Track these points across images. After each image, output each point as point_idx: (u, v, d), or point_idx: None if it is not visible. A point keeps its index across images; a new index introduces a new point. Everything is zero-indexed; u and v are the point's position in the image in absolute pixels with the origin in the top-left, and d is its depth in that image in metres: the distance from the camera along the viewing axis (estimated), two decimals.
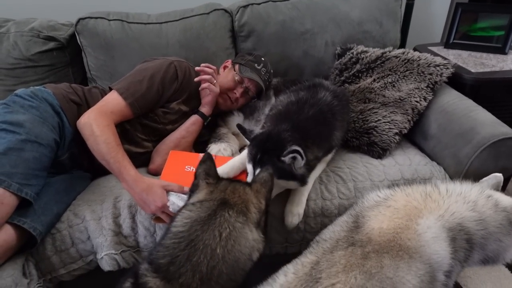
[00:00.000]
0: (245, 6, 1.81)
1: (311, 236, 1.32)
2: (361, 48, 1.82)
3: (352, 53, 1.80)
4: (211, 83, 1.45)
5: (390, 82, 1.61)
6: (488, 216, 0.98)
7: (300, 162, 1.09)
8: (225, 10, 1.83)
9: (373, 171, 1.41)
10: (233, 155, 1.49)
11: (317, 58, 1.90)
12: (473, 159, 1.33)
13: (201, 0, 1.85)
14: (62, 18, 1.83)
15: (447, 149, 1.44)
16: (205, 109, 1.51)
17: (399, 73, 1.62)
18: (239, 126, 1.25)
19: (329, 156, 1.39)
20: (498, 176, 1.15)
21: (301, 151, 1.06)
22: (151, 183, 1.19)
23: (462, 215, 0.96)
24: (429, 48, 2.05)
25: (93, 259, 1.25)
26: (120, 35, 1.72)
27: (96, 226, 1.22)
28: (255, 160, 1.12)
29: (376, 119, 1.53)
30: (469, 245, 0.96)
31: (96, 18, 1.71)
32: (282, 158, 1.08)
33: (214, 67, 1.49)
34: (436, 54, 1.85)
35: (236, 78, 1.56)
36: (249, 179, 1.14)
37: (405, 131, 1.53)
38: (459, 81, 1.70)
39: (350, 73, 1.75)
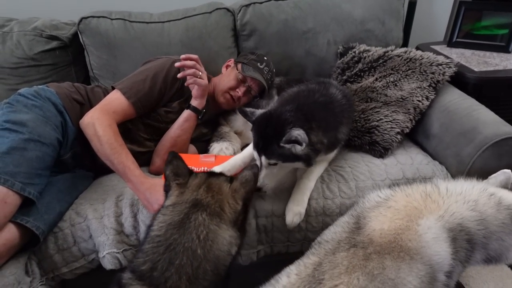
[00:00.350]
0: (247, 5, 1.81)
1: (312, 235, 1.32)
2: (363, 47, 1.81)
3: (354, 52, 1.79)
4: (195, 76, 1.35)
5: (392, 81, 1.61)
6: (490, 215, 0.98)
7: (299, 149, 1.07)
8: (227, 9, 1.82)
9: (375, 170, 1.40)
10: (235, 154, 1.49)
11: (319, 57, 1.90)
12: (475, 158, 1.33)
13: None
14: (65, 17, 1.84)
15: (449, 148, 1.43)
16: (196, 102, 1.43)
17: (401, 72, 1.62)
18: (240, 110, 1.19)
19: (332, 154, 1.39)
20: (506, 172, 1.13)
21: (301, 136, 1.02)
22: (154, 182, 1.20)
23: (462, 215, 0.95)
24: (432, 47, 2.04)
25: (95, 257, 1.26)
26: (123, 34, 1.72)
27: (98, 225, 1.23)
28: (259, 148, 1.11)
29: (378, 118, 1.52)
30: (470, 245, 0.96)
31: (99, 17, 1.71)
32: (281, 144, 1.06)
33: (195, 57, 1.36)
34: (438, 53, 1.84)
35: (239, 77, 1.56)
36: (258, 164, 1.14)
37: (407, 130, 1.53)
38: (462, 80, 1.69)
39: (352, 72, 1.74)
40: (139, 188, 1.19)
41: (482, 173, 1.22)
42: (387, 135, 1.48)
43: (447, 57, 1.67)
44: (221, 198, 0.92)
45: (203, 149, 1.57)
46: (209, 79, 1.66)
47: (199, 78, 1.36)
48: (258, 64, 1.59)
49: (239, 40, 1.89)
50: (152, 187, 1.18)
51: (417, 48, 2.03)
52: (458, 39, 2.03)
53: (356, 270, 0.87)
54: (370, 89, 1.63)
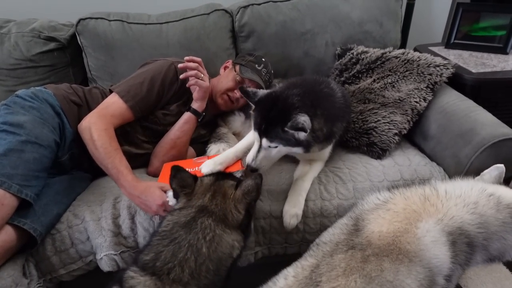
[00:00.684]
0: (246, 7, 1.82)
1: (310, 237, 1.32)
2: (361, 48, 1.82)
3: (352, 53, 1.79)
4: (197, 77, 1.36)
5: (390, 83, 1.61)
6: (490, 216, 0.97)
7: (302, 135, 1.06)
8: (226, 11, 1.83)
9: (373, 171, 1.41)
10: None
11: (317, 58, 1.90)
12: (473, 159, 1.33)
13: (202, 0, 1.86)
14: (63, 19, 1.84)
15: (447, 149, 1.44)
16: (197, 104, 1.44)
17: (399, 73, 1.62)
18: (242, 90, 1.16)
19: (327, 152, 1.39)
20: (500, 167, 1.13)
21: (306, 122, 1.02)
22: (148, 185, 1.20)
23: (461, 218, 0.95)
24: (430, 48, 2.05)
25: (93, 259, 1.26)
26: (121, 36, 1.72)
27: (96, 227, 1.23)
28: (261, 130, 1.10)
29: (376, 120, 1.52)
30: (470, 248, 0.96)
31: (97, 18, 1.72)
32: (286, 129, 1.05)
33: (198, 59, 1.38)
34: (436, 54, 1.85)
35: (237, 78, 1.56)
36: (254, 149, 1.14)
37: (405, 131, 1.53)
38: (460, 81, 1.69)
39: (350, 74, 1.75)
40: (133, 193, 1.19)
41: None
42: (385, 136, 1.48)
43: (445, 59, 1.67)
44: (225, 206, 0.95)
45: (201, 150, 1.57)
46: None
47: (200, 80, 1.37)
48: (256, 65, 1.59)
49: (237, 41, 1.89)
50: (147, 190, 1.18)
51: (415, 50, 2.03)
52: (456, 41, 2.04)
53: (354, 273, 0.86)
54: (368, 90, 1.63)
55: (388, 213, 0.96)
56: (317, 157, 1.38)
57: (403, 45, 2.12)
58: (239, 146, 1.29)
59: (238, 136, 1.64)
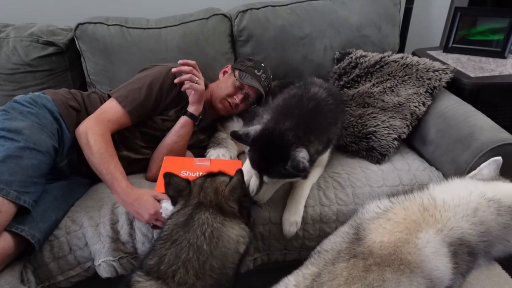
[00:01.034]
0: (244, 11, 1.82)
1: (310, 243, 1.32)
2: (360, 52, 1.82)
3: (351, 57, 1.80)
4: (192, 81, 1.35)
5: (389, 87, 1.61)
6: (491, 221, 0.97)
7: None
8: (224, 15, 1.83)
9: (372, 176, 1.40)
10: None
11: (316, 62, 1.90)
12: (472, 164, 1.33)
13: (200, 5, 1.86)
14: (62, 23, 1.84)
15: (446, 154, 1.44)
16: (193, 108, 1.43)
17: (398, 78, 1.62)
18: (233, 134, 1.16)
19: (325, 157, 1.39)
20: (497, 160, 1.12)
21: (305, 158, 1.03)
22: (141, 193, 1.19)
23: (461, 229, 0.94)
24: (428, 52, 2.05)
25: (91, 265, 1.25)
26: (119, 40, 1.72)
27: (94, 233, 1.22)
28: (260, 168, 1.11)
29: (375, 124, 1.53)
30: (472, 257, 0.95)
31: (95, 23, 1.71)
32: (287, 167, 1.06)
33: (193, 62, 1.38)
34: (435, 59, 1.85)
35: (236, 84, 1.56)
36: (255, 183, 1.14)
37: (404, 136, 1.53)
38: (458, 86, 1.69)
39: (349, 78, 1.75)
40: (126, 200, 1.18)
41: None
42: (384, 141, 1.48)
43: (444, 63, 1.67)
44: (218, 202, 0.95)
45: (200, 155, 1.56)
46: (206, 85, 1.66)
47: (195, 83, 1.36)
48: (256, 71, 1.59)
49: (236, 45, 1.89)
50: (140, 198, 1.17)
51: (414, 54, 2.04)
52: (454, 45, 2.04)
53: (356, 282, 0.86)
54: (367, 94, 1.64)
55: (389, 223, 0.95)
56: (316, 163, 1.38)
57: (401, 49, 2.13)
58: None
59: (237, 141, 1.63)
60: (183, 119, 1.43)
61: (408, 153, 1.58)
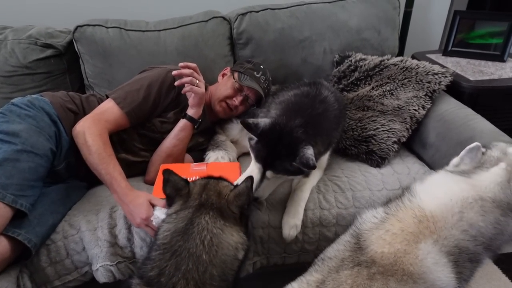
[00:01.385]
0: (244, 14, 1.81)
1: (309, 247, 1.31)
2: (359, 55, 1.82)
3: (351, 60, 1.80)
4: (192, 84, 1.34)
5: (388, 90, 1.61)
6: (479, 221, 0.95)
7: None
8: (224, 18, 1.82)
9: (372, 180, 1.40)
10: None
11: (315, 65, 1.90)
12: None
13: (200, 7, 1.86)
14: (60, 25, 1.83)
15: (446, 158, 1.42)
16: (192, 111, 1.41)
17: (397, 81, 1.62)
18: (243, 122, 1.12)
19: (325, 160, 1.38)
20: (474, 148, 1.06)
21: (312, 156, 1.03)
22: (138, 195, 1.18)
23: (455, 237, 0.93)
24: (427, 55, 2.05)
25: (88, 270, 1.24)
26: (118, 43, 1.71)
27: (92, 237, 1.21)
28: (266, 162, 1.10)
29: (375, 127, 1.52)
30: (475, 263, 0.94)
31: (94, 25, 1.71)
32: (294, 164, 1.06)
33: (193, 65, 1.36)
34: (434, 62, 1.85)
35: (236, 86, 1.55)
36: (256, 178, 1.12)
37: (404, 139, 1.53)
38: (458, 89, 1.69)
39: (349, 81, 1.75)
40: (124, 200, 1.17)
41: None
42: (384, 144, 1.48)
43: (443, 66, 1.67)
44: (220, 203, 0.94)
45: (199, 158, 1.56)
46: (205, 88, 1.65)
47: (196, 86, 1.35)
48: (255, 73, 1.59)
49: (235, 48, 1.88)
50: (136, 200, 1.16)
51: (413, 57, 2.04)
52: (453, 48, 2.05)
53: None
54: (366, 97, 1.63)
55: (388, 234, 0.94)
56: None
57: (400, 52, 2.13)
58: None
59: (236, 143, 1.63)
60: (183, 122, 1.42)
61: (408, 156, 1.57)
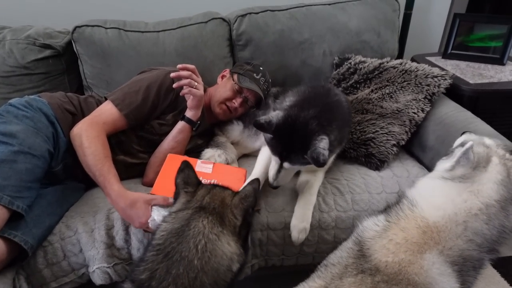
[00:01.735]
0: (243, 15, 1.81)
1: (308, 249, 1.31)
2: (359, 58, 1.82)
3: (350, 63, 1.79)
4: (191, 86, 1.33)
5: (387, 93, 1.60)
6: (485, 230, 0.94)
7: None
8: (223, 19, 1.82)
9: (371, 183, 1.39)
10: (227, 163, 1.48)
11: (315, 67, 1.90)
12: None
13: (199, 9, 1.85)
14: (59, 26, 1.82)
15: None
16: (191, 113, 1.40)
17: (396, 84, 1.62)
18: (255, 123, 1.09)
19: (330, 160, 1.37)
20: (466, 152, 1.02)
21: (326, 147, 1.03)
22: (134, 198, 1.17)
23: (460, 247, 0.92)
24: (427, 58, 2.05)
25: (85, 272, 1.23)
26: (117, 43, 1.71)
27: (89, 239, 1.20)
28: (282, 155, 1.10)
29: (374, 130, 1.52)
30: (478, 268, 0.93)
31: (93, 26, 1.70)
32: (306, 157, 1.05)
33: (192, 67, 1.34)
34: (434, 65, 1.85)
35: (235, 88, 1.55)
36: (274, 169, 1.14)
37: (403, 142, 1.52)
38: (457, 92, 1.69)
39: (348, 84, 1.74)
40: (118, 203, 1.17)
41: None
42: (383, 147, 1.47)
43: (443, 69, 1.67)
44: (222, 210, 0.91)
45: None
46: (204, 90, 1.64)
47: (194, 88, 1.34)
48: (254, 74, 1.58)
49: (235, 50, 1.88)
50: (133, 204, 1.15)
51: (412, 60, 2.04)
52: (453, 51, 2.04)
53: None
54: (365, 100, 1.63)
55: (391, 243, 0.93)
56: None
57: (400, 54, 2.13)
58: (260, 169, 1.28)
59: (237, 145, 1.62)
60: (181, 124, 1.41)
61: (408, 159, 1.57)
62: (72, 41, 1.72)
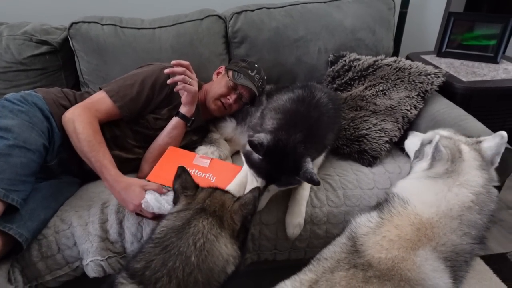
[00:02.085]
0: (239, 13, 1.82)
1: (300, 244, 1.33)
2: (353, 55, 1.83)
3: (345, 60, 1.81)
4: (185, 82, 1.35)
5: (381, 90, 1.62)
6: (478, 220, 0.96)
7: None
8: (219, 16, 1.83)
9: (363, 179, 1.41)
10: (221, 159, 1.49)
11: (310, 65, 1.91)
12: None
13: (195, 6, 1.86)
14: (56, 22, 1.83)
15: None
16: (185, 109, 1.42)
17: (390, 81, 1.63)
18: (250, 143, 1.09)
19: (320, 159, 1.39)
20: (438, 140, 1.04)
21: (312, 166, 1.09)
22: (130, 182, 1.20)
23: (453, 242, 0.92)
24: (422, 56, 2.07)
25: (79, 265, 1.25)
26: (113, 40, 1.72)
27: (83, 232, 1.22)
28: (271, 177, 1.12)
29: (367, 127, 1.53)
30: (470, 263, 0.94)
31: (89, 22, 1.71)
32: (299, 178, 1.10)
33: (186, 63, 1.36)
34: (428, 63, 1.87)
35: (230, 84, 1.56)
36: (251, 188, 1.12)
37: (396, 139, 1.54)
38: (451, 90, 1.70)
39: (343, 81, 1.75)
40: (115, 187, 1.19)
41: None
42: (376, 144, 1.49)
43: (436, 67, 1.68)
44: (222, 214, 0.93)
45: None
46: (200, 86, 1.66)
47: (188, 84, 1.35)
48: (249, 71, 1.59)
49: (230, 47, 1.89)
50: (128, 187, 1.18)
51: (407, 58, 2.05)
52: (447, 49, 2.06)
53: None
54: (359, 97, 1.64)
55: (385, 240, 0.93)
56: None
57: (395, 53, 2.14)
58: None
59: (230, 141, 1.63)
60: (175, 120, 1.43)
61: (400, 156, 1.57)
62: (69, 37, 1.73)
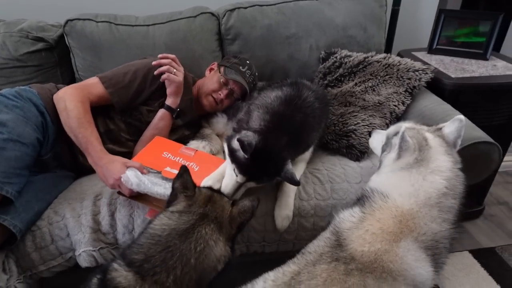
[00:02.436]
0: (232, 10, 1.85)
1: (288, 236, 1.35)
2: (344, 52, 1.85)
3: (336, 57, 1.83)
4: (170, 72, 1.42)
5: (370, 86, 1.65)
6: (455, 204, 0.99)
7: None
8: (212, 14, 1.85)
9: (350, 173, 1.43)
10: (213, 154, 1.52)
11: (302, 61, 1.93)
12: None
13: (189, 3, 1.89)
14: (52, 19, 1.86)
15: None
16: (170, 100, 1.48)
17: (379, 77, 1.66)
18: (240, 143, 1.10)
19: (307, 155, 1.43)
20: (404, 131, 1.05)
21: (292, 168, 1.15)
22: (113, 158, 1.24)
23: (434, 231, 0.95)
24: (413, 53, 2.09)
25: (72, 256, 1.28)
26: (108, 37, 1.75)
27: (75, 223, 1.25)
28: (254, 176, 1.16)
29: (355, 122, 1.56)
30: (447, 249, 0.97)
31: (84, 19, 1.74)
32: (280, 177, 1.15)
33: (172, 56, 1.48)
34: (418, 59, 1.88)
35: (221, 80, 1.59)
36: (232, 183, 1.16)
37: None
38: (440, 86, 1.72)
39: (333, 77, 1.78)
40: (98, 163, 1.23)
41: None
42: (364, 139, 1.51)
43: (425, 63, 1.70)
44: (222, 220, 0.97)
45: None
46: (194, 82, 1.69)
47: (173, 75, 1.41)
48: (241, 67, 1.62)
49: (223, 44, 1.92)
50: (110, 162, 1.22)
51: (398, 54, 2.08)
52: (438, 46, 2.08)
53: (335, 284, 0.88)
54: (349, 93, 1.67)
55: (367, 234, 0.96)
56: (300, 159, 1.41)
57: (388, 50, 2.16)
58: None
59: (221, 137, 1.66)
60: (161, 111, 1.48)
61: None
62: (64, 34, 1.75)
